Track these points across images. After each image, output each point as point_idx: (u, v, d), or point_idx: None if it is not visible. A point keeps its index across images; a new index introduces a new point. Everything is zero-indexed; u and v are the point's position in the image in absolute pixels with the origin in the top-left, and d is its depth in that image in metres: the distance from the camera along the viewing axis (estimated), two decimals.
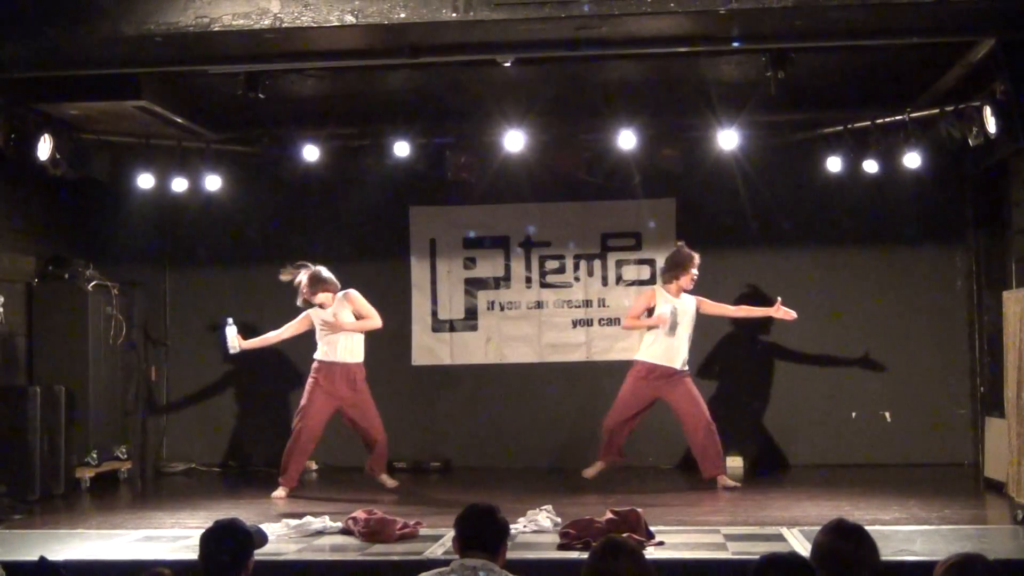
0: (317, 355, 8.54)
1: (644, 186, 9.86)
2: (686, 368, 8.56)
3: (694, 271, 8.50)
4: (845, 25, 6.77)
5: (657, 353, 8.46)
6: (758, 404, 9.87)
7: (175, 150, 9.37)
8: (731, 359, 9.94)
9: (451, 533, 3.84)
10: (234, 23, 6.61)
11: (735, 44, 7.32)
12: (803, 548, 5.52)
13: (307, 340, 10.03)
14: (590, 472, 8.57)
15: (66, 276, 9.18)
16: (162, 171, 9.32)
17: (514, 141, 8.98)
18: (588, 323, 10.10)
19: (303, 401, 8.51)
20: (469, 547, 3.76)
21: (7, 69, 7.35)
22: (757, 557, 3.32)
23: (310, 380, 8.52)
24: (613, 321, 10.00)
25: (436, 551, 5.78)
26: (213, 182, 9.50)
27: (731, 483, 8.40)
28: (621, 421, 8.53)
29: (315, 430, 8.48)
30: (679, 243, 8.70)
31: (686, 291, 8.56)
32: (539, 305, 10.18)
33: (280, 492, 8.34)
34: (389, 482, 8.62)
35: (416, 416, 9.95)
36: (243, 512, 6.75)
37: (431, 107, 9.20)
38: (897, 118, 8.63)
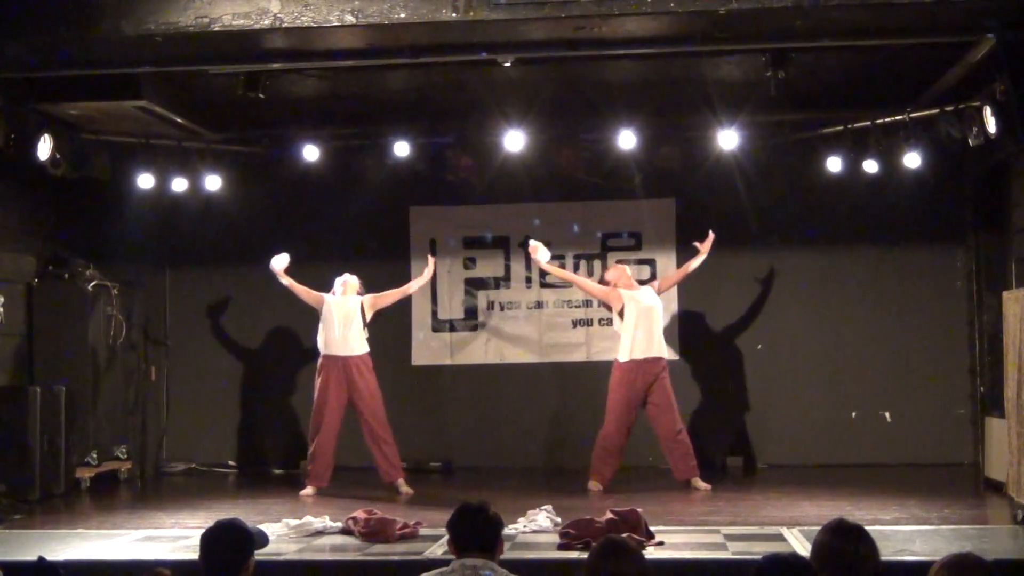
0: (320, 349, 8.59)
1: (644, 186, 9.87)
2: (663, 357, 8.54)
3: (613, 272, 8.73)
4: (845, 25, 6.78)
5: (629, 348, 8.43)
6: (757, 404, 9.87)
7: (175, 150, 9.37)
8: (731, 359, 9.94)
9: None
10: (234, 23, 6.61)
11: (734, 45, 7.33)
12: (803, 548, 5.52)
13: (308, 338, 10.09)
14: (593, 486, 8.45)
15: (66, 276, 9.18)
16: (162, 171, 9.33)
17: (514, 141, 8.98)
18: (588, 323, 10.10)
19: (314, 398, 8.58)
20: (465, 548, 3.75)
21: (7, 69, 7.35)
22: (757, 557, 3.32)
23: (318, 377, 8.56)
24: (613, 321, 9.98)
25: (436, 551, 5.78)
26: (213, 182, 9.51)
27: (703, 485, 8.34)
28: (615, 434, 8.41)
29: (329, 426, 8.45)
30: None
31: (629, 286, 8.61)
32: (539, 305, 10.18)
33: (306, 491, 8.38)
34: (405, 488, 8.46)
35: (416, 416, 9.95)
36: (243, 512, 6.76)
37: (431, 107, 9.20)
38: (897, 118, 8.63)
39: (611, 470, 8.43)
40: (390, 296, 8.81)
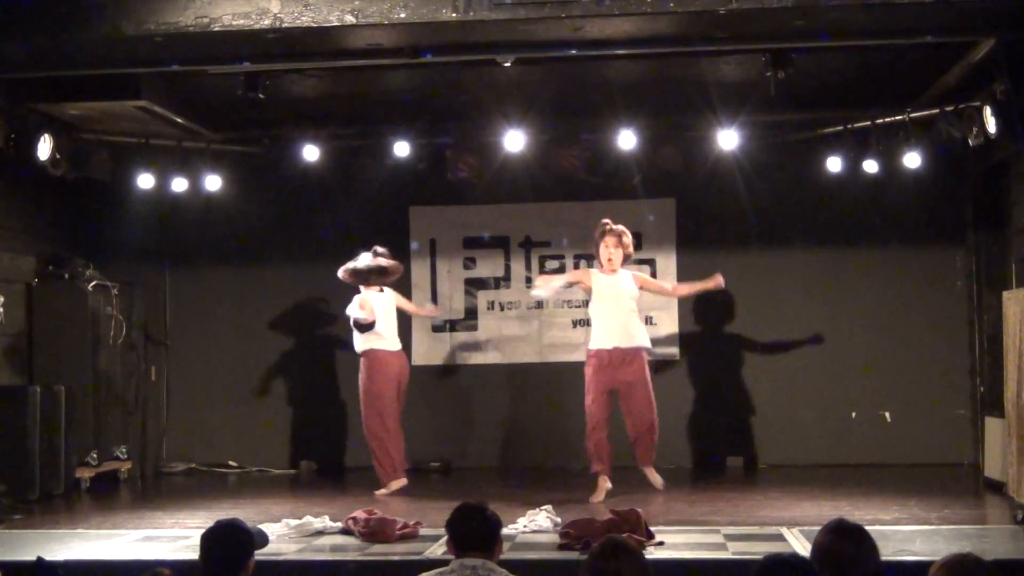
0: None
1: (644, 186, 9.86)
2: (643, 346, 8.12)
3: (603, 244, 8.11)
4: (845, 25, 6.78)
5: (601, 337, 8.08)
6: (757, 403, 9.86)
7: (175, 150, 9.37)
8: (730, 358, 9.94)
9: None
10: (234, 23, 6.61)
11: (734, 45, 7.33)
12: (803, 548, 5.52)
13: (308, 338, 10.11)
14: (598, 496, 7.87)
15: (66, 276, 9.18)
16: (162, 171, 9.33)
17: (514, 141, 8.98)
18: (588, 323, 10.04)
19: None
20: (464, 548, 3.75)
21: (7, 69, 7.36)
22: (757, 557, 3.32)
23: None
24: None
25: (436, 551, 5.78)
26: (213, 182, 9.51)
27: (659, 481, 8.12)
28: (599, 424, 7.96)
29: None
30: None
31: (612, 268, 8.14)
32: (539, 305, 10.17)
33: (382, 491, 8.45)
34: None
35: (416, 416, 9.94)
36: (243, 512, 6.76)
37: (431, 107, 9.20)
38: (897, 118, 8.63)
39: (600, 465, 8.06)
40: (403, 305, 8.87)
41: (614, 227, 8.17)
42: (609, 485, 7.91)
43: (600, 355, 8.07)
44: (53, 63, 7.37)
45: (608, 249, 8.13)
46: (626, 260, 8.26)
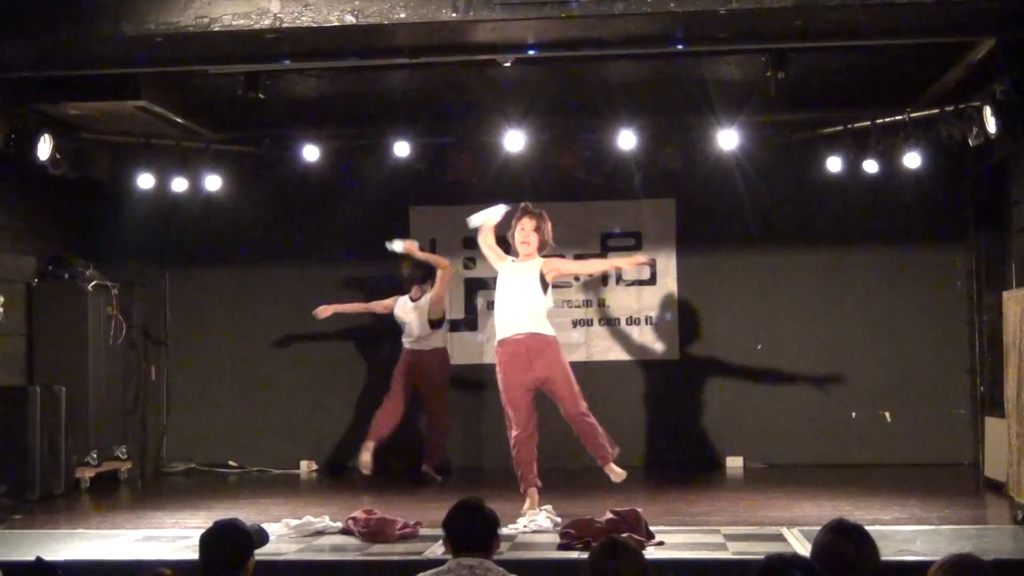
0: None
1: (644, 186, 9.86)
2: (539, 332, 7.29)
3: (519, 228, 7.27)
4: (845, 25, 6.77)
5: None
6: (757, 404, 9.87)
7: (175, 150, 9.37)
8: (731, 358, 9.94)
9: None
10: (234, 23, 6.60)
11: (734, 45, 7.33)
12: (803, 548, 5.52)
13: (306, 337, 10.11)
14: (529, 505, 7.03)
15: (66, 276, 9.17)
16: (162, 171, 9.33)
17: (514, 141, 8.98)
18: (588, 323, 10.09)
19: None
20: (461, 547, 3.74)
21: (7, 69, 7.35)
22: (757, 557, 3.32)
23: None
24: (613, 321, 10.01)
25: (436, 551, 5.78)
26: (213, 182, 9.51)
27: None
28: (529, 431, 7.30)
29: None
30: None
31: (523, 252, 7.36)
32: None
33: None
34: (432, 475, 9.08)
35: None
36: (243, 512, 6.75)
37: (431, 107, 9.20)
38: (897, 118, 8.64)
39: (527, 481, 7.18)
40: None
41: (534, 209, 7.31)
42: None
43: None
44: (53, 63, 7.36)
45: (524, 232, 7.26)
46: (542, 248, 7.34)
